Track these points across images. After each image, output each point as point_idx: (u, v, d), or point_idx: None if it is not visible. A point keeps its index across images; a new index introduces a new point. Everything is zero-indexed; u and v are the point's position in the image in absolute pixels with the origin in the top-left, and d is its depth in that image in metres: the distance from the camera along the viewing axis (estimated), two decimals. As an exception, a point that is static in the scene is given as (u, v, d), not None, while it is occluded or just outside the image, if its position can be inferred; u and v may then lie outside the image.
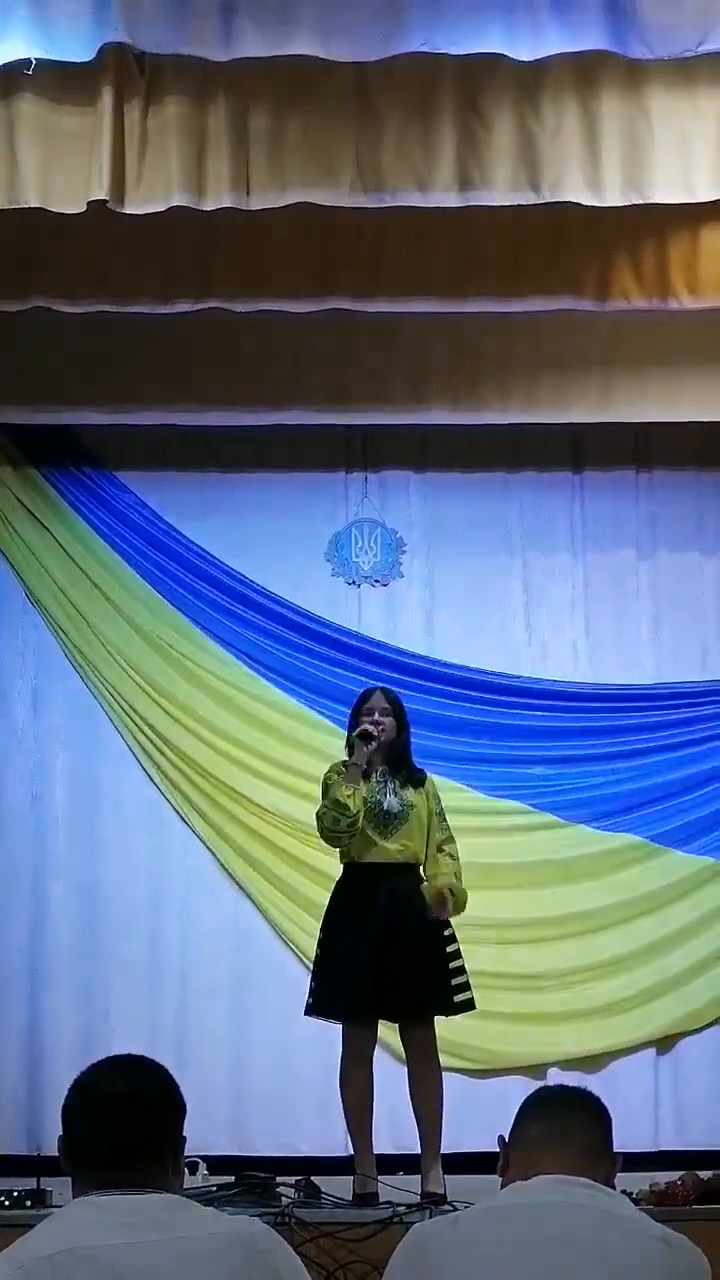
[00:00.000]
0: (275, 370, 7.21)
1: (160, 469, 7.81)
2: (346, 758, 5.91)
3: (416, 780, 5.89)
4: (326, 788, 5.84)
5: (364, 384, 7.29)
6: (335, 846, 5.87)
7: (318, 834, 5.94)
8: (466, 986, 5.81)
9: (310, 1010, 5.87)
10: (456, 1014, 5.84)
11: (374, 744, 5.79)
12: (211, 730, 7.54)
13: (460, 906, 5.82)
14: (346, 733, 6.03)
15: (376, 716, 5.84)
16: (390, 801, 5.79)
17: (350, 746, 5.92)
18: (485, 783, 7.52)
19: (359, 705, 5.95)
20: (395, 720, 5.88)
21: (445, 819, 5.92)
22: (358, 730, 5.84)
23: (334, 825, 5.74)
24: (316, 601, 7.76)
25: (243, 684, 7.64)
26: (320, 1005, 5.82)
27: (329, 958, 5.79)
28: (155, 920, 7.50)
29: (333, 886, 5.97)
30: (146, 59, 5.52)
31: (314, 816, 5.91)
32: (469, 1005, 5.83)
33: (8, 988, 7.40)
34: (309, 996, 5.86)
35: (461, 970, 5.81)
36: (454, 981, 5.77)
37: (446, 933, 5.80)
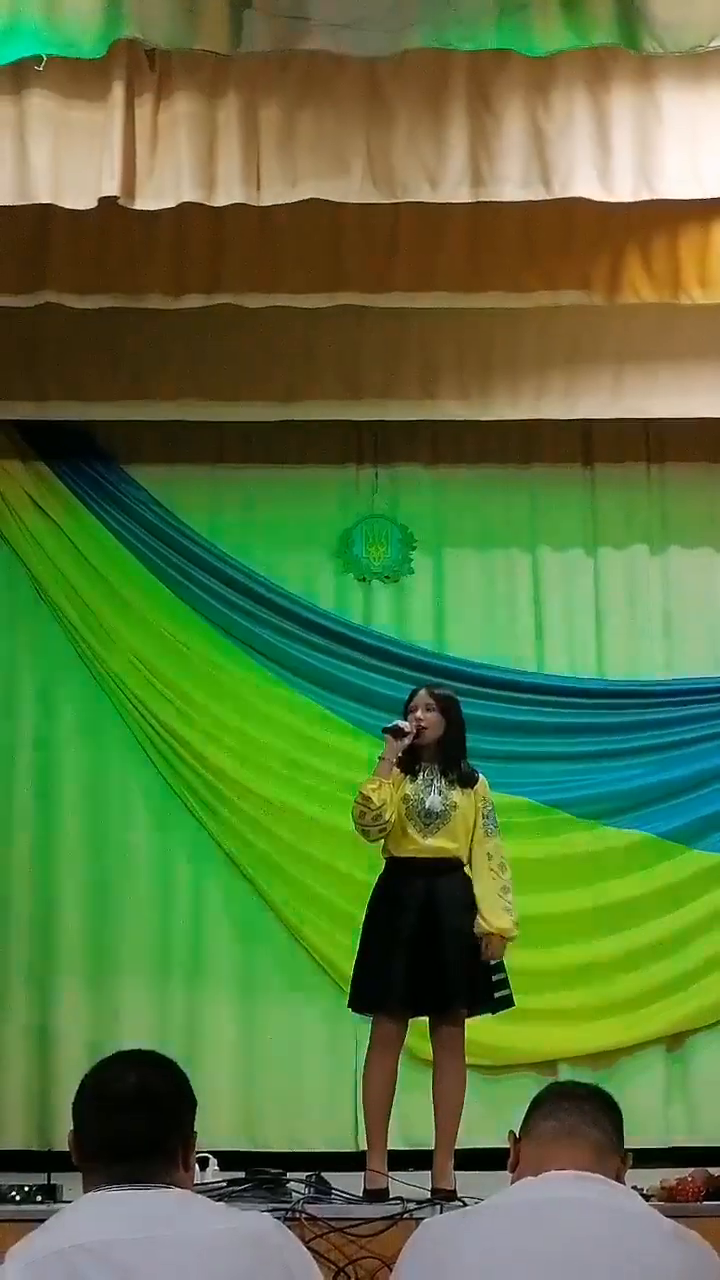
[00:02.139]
0: (286, 365, 7.22)
1: (170, 464, 7.80)
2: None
3: (466, 780, 5.85)
4: None
5: (375, 379, 7.29)
6: (368, 840, 5.84)
7: (351, 827, 5.91)
8: (506, 984, 5.80)
9: (352, 1005, 5.89)
10: (496, 1011, 5.82)
11: (405, 739, 5.76)
12: (221, 726, 7.54)
13: (507, 941, 5.81)
14: None
15: (419, 714, 5.80)
16: (433, 800, 5.77)
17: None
18: (496, 779, 7.44)
19: (406, 702, 5.92)
20: (442, 717, 5.83)
21: (494, 820, 5.89)
22: (389, 725, 5.82)
23: (360, 818, 5.75)
24: (326, 597, 7.76)
25: (252, 679, 7.63)
26: (356, 999, 5.83)
27: (366, 952, 5.79)
28: (165, 915, 7.49)
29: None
30: (157, 54, 5.52)
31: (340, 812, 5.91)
32: (509, 1002, 5.82)
33: (17, 983, 7.39)
34: (352, 991, 5.88)
35: (501, 967, 5.80)
36: (495, 978, 5.77)
37: None
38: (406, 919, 5.69)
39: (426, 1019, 5.82)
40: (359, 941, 5.85)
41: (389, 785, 5.72)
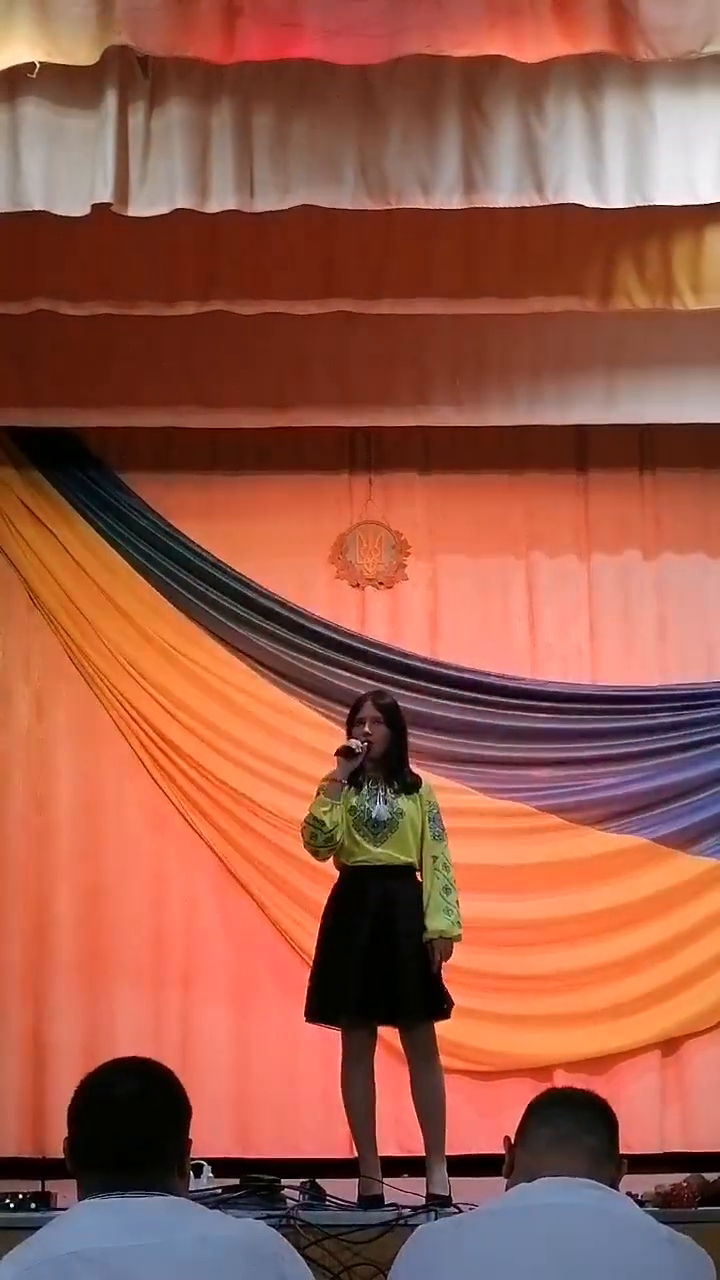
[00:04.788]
0: (279, 372, 7.23)
1: (164, 471, 7.80)
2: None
3: (410, 787, 5.87)
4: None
5: (368, 385, 7.30)
6: (318, 859, 5.90)
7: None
8: (445, 994, 5.77)
9: (308, 1015, 5.85)
10: (435, 1020, 5.81)
11: (356, 760, 5.78)
12: (215, 732, 7.53)
13: (451, 941, 5.74)
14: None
15: (367, 728, 5.82)
16: (379, 810, 5.78)
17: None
18: (490, 785, 7.51)
19: (351, 713, 5.94)
20: (388, 728, 5.86)
21: (440, 824, 5.87)
22: (340, 746, 5.83)
23: (311, 839, 5.79)
24: (320, 604, 7.75)
25: (246, 686, 7.63)
26: (316, 1010, 5.81)
27: (323, 962, 5.79)
28: (159, 922, 7.49)
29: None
30: (150, 61, 5.52)
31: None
32: (445, 1014, 5.77)
33: (12, 990, 7.39)
34: (306, 1002, 5.84)
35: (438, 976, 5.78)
36: (437, 986, 5.76)
37: None
38: (362, 926, 5.69)
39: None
40: (318, 949, 5.82)
41: (339, 806, 5.74)
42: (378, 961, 5.65)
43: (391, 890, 5.75)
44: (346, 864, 5.81)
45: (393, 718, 5.89)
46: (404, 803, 5.81)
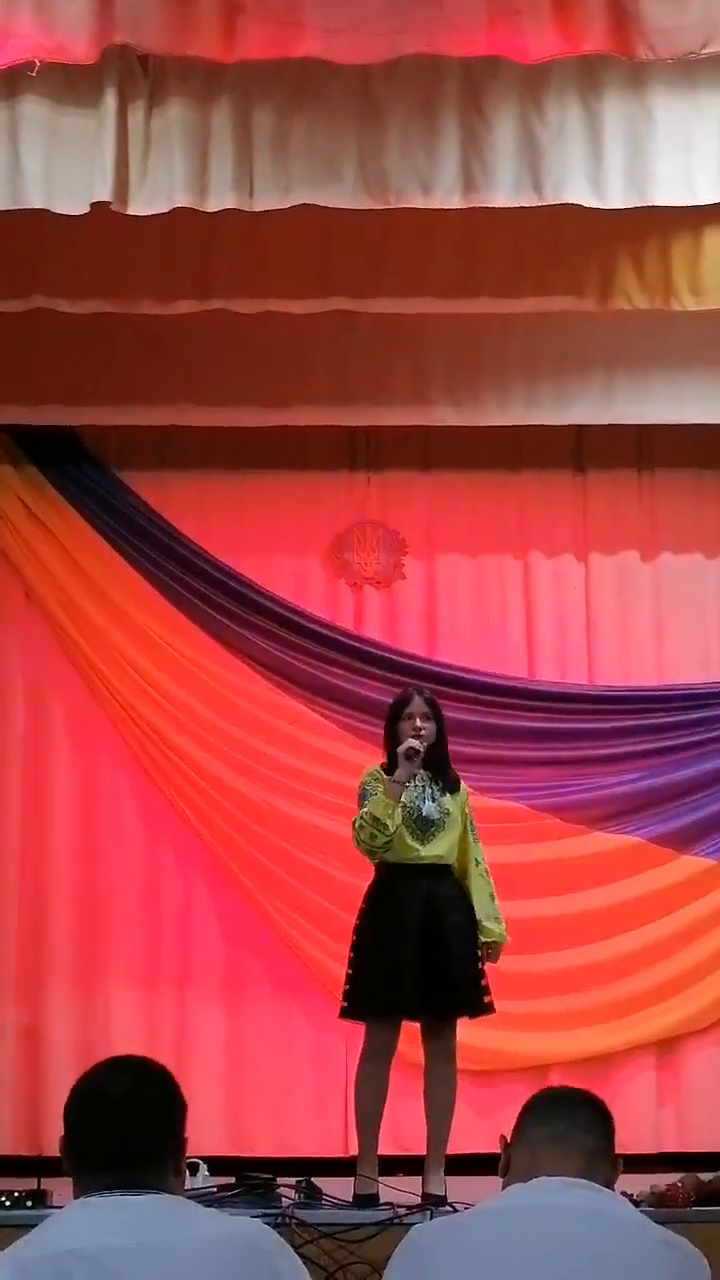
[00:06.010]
0: (278, 370, 7.22)
1: (162, 469, 7.80)
2: (385, 761, 5.84)
3: (454, 787, 5.86)
4: (363, 795, 5.79)
5: (366, 384, 7.30)
6: (371, 859, 5.79)
7: (354, 841, 5.78)
8: (489, 990, 5.80)
9: (346, 1013, 5.78)
10: (481, 1015, 5.82)
11: (419, 758, 5.72)
12: (211, 731, 7.53)
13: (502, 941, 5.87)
14: (385, 732, 5.91)
15: (418, 723, 5.77)
16: (429, 808, 5.75)
17: (390, 750, 5.81)
18: (487, 784, 7.50)
19: (398, 709, 5.85)
20: (436, 724, 5.83)
21: (474, 824, 5.89)
22: (405, 747, 5.69)
23: (370, 840, 5.68)
24: (317, 603, 7.75)
25: (242, 685, 7.62)
26: (355, 1007, 5.75)
27: (365, 959, 5.73)
28: (154, 920, 7.48)
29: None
30: (150, 60, 5.52)
31: (351, 824, 5.78)
32: (492, 1008, 5.82)
33: (7, 988, 7.38)
34: (344, 1000, 5.77)
35: (484, 974, 5.81)
36: (482, 983, 5.77)
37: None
38: (411, 925, 5.66)
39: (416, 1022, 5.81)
40: (357, 948, 5.77)
41: (400, 807, 5.71)
42: (429, 960, 5.63)
43: (436, 889, 5.73)
44: (393, 862, 5.74)
45: (438, 714, 5.86)
46: (449, 802, 5.80)
